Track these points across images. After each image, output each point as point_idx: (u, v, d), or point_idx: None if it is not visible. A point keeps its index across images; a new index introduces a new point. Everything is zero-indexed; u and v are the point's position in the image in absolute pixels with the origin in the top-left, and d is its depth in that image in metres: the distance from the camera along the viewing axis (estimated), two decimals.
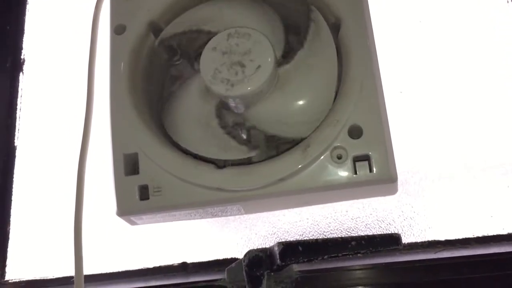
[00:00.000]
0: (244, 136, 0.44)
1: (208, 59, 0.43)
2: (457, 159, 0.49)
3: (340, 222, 0.49)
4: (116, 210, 0.43)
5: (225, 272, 0.45)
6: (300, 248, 0.42)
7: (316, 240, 0.43)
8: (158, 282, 0.50)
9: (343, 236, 0.49)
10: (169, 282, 0.50)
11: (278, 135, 0.44)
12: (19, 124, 0.58)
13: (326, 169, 0.41)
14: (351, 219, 0.49)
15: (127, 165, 0.44)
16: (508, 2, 0.54)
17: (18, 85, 0.59)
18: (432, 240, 0.48)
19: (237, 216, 0.49)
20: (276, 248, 0.42)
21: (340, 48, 0.44)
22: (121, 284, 0.51)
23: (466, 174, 0.49)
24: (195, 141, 0.44)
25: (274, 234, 0.50)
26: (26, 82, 0.59)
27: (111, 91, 0.46)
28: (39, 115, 0.58)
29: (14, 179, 0.56)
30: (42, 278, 0.52)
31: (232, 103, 0.43)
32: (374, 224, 0.49)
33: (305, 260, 0.42)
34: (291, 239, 0.48)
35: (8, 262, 0.53)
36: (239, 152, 0.42)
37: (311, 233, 0.49)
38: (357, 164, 0.41)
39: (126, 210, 0.43)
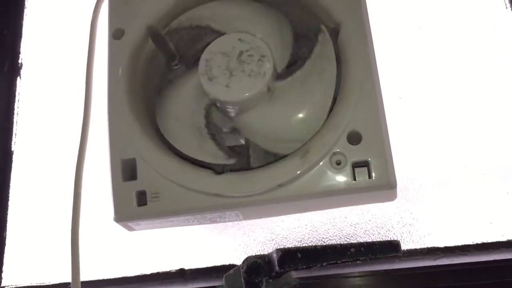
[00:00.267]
0: (243, 142, 0.44)
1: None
2: (457, 166, 0.49)
3: (339, 228, 0.49)
4: (113, 216, 0.43)
5: (223, 279, 0.44)
6: (299, 255, 0.42)
7: (315, 246, 0.42)
8: None
9: (342, 242, 0.48)
10: None
11: (267, 149, 0.43)
12: (16, 129, 0.58)
13: (325, 175, 0.41)
14: (350, 225, 0.49)
15: (125, 171, 0.43)
16: (507, 8, 0.54)
17: (16, 90, 0.59)
18: (431, 247, 0.48)
19: (235, 222, 0.49)
20: (274, 255, 0.42)
21: (339, 54, 0.44)
22: None
23: (466, 181, 0.49)
24: (185, 142, 0.43)
25: (272, 240, 0.49)
26: (23, 86, 0.59)
27: (109, 96, 0.46)
28: (36, 120, 0.58)
29: (11, 184, 0.55)
30: (38, 284, 0.52)
31: (223, 107, 0.43)
32: (373, 230, 0.49)
33: (304, 267, 0.42)
34: (290, 245, 0.48)
35: (4, 268, 0.53)
36: (214, 157, 0.42)
37: (309, 239, 0.49)
38: (356, 170, 0.41)
39: (123, 216, 0.43)
